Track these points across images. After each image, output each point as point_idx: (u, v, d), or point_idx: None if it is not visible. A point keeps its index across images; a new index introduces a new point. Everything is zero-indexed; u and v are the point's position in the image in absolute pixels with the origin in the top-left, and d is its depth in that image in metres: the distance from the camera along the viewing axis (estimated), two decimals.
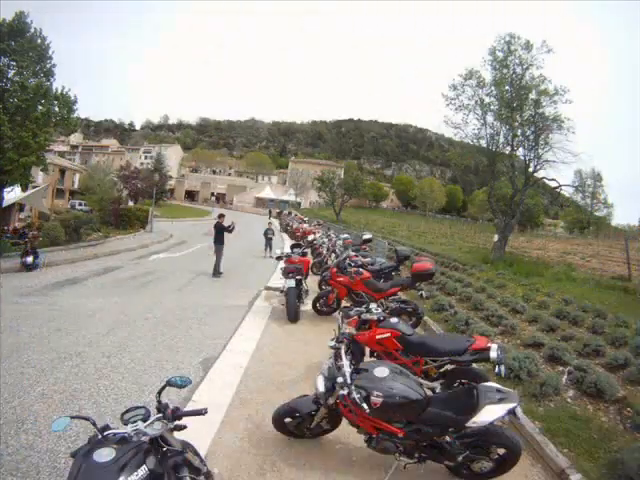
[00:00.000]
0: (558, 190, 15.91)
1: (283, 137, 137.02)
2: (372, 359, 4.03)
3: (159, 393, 2.00)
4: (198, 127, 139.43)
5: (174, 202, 59.66)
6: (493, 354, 3.27)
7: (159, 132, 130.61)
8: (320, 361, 4.86)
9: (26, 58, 10.89)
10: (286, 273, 7.17)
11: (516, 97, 14.61)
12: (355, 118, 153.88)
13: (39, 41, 11.30)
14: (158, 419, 1.84)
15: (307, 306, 7.41)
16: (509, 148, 15.58)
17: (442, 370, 3.77)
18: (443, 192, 77.73)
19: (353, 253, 8.44)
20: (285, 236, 23.88)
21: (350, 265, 7.30)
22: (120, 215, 19.21)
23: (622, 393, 4.14)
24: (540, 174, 15.56)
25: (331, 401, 2.86)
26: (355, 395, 2.49)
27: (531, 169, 15.25)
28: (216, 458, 2.96)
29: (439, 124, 61.46)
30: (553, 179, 15.25)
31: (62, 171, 37.75)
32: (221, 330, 5.97)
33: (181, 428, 1.96)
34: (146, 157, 79.70)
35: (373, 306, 4.17)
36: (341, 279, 6.56)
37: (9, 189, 12.56)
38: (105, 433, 1.70)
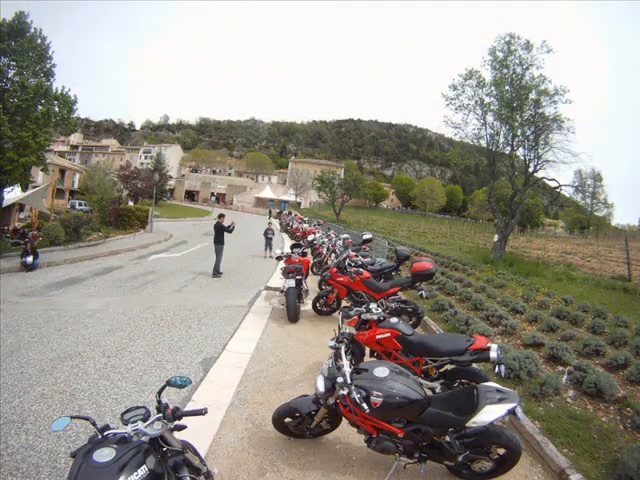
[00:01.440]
0: (558, 190, 15.93)
1: (283, 137, 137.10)
2: (372, 359, 4.04)
3: (159, 393, 2.00)
4: (198, 127, 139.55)
5: (174, 202, 59.70)
6: (493, 354, 3.27)
7: (159, 132, 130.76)
8: (320, 361, 4.87)
9: (26, 58, 10.90)
10: (286, 273, 7.18)
11: (516, 97, 14.63)
12: (355, 118, 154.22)
13: (39, 41, 11.31)
14: (158, 419, 1.85)
15: (307, 306, 7.41)
16: (509, 148, 15.63)
17: (442, 370, 3.77)
18: (443, 192, 77.77)
19: (353, 253, 8.43)
20: (285, 236, 23.86)
21: (350, 265, 7.31)
22: (120, 215, 19.20)
23: (622, 393, 4.14)
24: (540, 174, 15.63)
25: (331, 401, 2.86)
26: (355, 395, 2.49)
27: (531, 169, 15.29)
28: (216, 458, 2.96)
29: (439, 124, 61.52)
30: (553, 179, 15.32)
31: (62, 171, 37.76)
32: (221, 330, 5.97)
33: (181, 428, 1.96)
34: (146, 157, 79.72)
35: (373, 306, 4.16)
36: (341, 279, 6.55)
37: (9, 189, 12.58)
38: (105, 433, 1.70)
